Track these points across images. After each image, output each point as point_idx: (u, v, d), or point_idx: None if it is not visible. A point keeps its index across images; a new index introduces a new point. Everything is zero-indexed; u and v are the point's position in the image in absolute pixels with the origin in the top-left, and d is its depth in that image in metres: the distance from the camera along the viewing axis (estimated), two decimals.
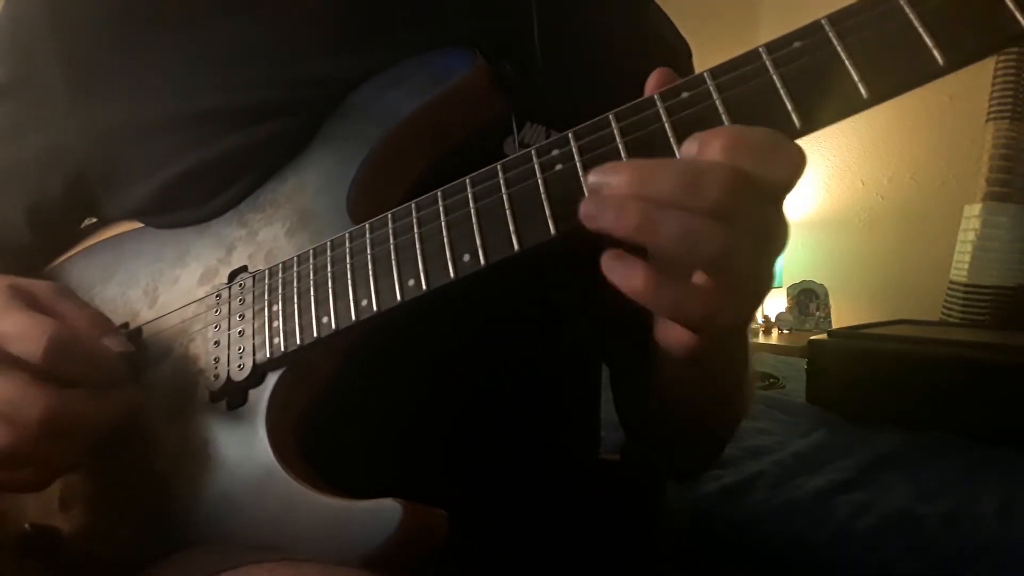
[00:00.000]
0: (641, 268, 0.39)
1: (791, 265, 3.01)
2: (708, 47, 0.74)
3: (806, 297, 2.92)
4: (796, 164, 0.38)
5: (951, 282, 1.59)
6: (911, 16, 0.37)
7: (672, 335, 0.44)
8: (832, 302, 2.82)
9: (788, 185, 0.39)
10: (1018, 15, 0.35)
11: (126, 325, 0.59)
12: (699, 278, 0.40)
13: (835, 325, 2.80)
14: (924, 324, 1.59)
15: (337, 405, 0.54)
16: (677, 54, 0.73)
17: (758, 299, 0.44)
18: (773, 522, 1.05)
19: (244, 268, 0.56)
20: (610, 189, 0.39)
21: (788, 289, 2.98)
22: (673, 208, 0.38)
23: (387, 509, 0.45)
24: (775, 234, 0.40)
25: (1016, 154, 1.58)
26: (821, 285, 2.88)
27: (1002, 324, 1.49)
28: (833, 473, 1.14)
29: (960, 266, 1.58)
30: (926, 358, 1.36)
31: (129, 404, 0.52)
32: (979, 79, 1.84)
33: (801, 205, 2.98)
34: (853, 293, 2.61)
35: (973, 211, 1.58)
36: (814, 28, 0.39)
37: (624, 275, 0.39)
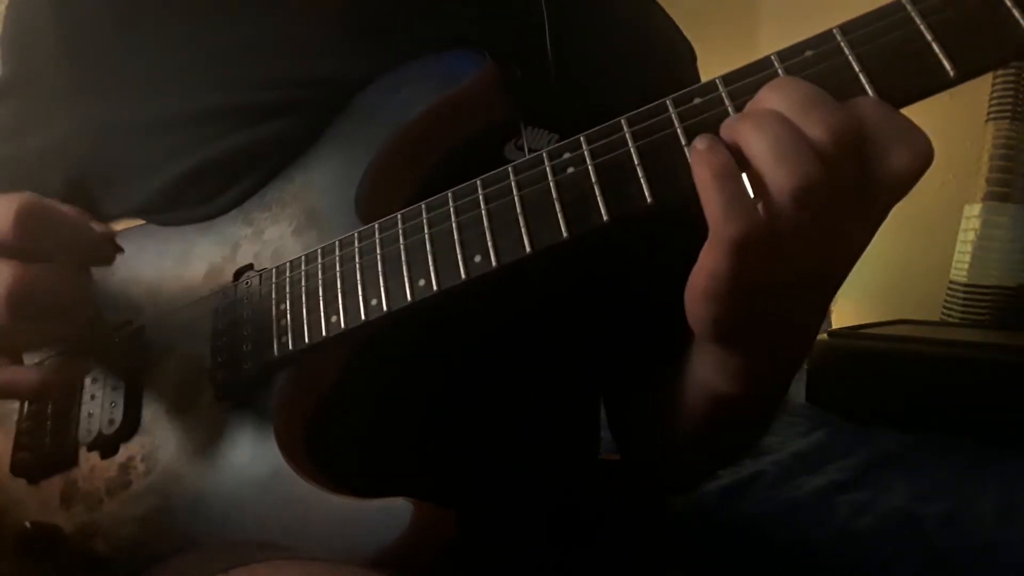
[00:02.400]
0: (724, 153, 0.39)
1: None
2: (708, 51, 0.74)
3: None
4: (914, 159, 0.37)
5: (951, 282, 1.59)
6: (921, 27, 0.38)
7: (709, 261, 0.41)
8: (832, 302, 2.81)
9: (898, 176, 0.38)
10: None
11: (129, 322, 0.59)
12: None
13: (835, 325, 2.80)
14: (924, 324, 1.59)
15: (344, 404, 0.54)
16: (681, 57, 0.73)
17: (814, 277, 0.43)
18: (773, 522, 1.05)
19: (250, 266, 0.56)
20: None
21: None
22: (787, 118, 0.38)
23: (397, 508, 0.45)
24: (859, 225, 0.40)
25: (1016, 154, 1.58)
26: None
27: (1002, 324, 1.50)
28: (833, 473, 1.14)
29: (960, 266, 1.58)
30: (926, 358, 1.36)
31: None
32: (979, 79, 1.83)
33: None
34: (853, 293, 2.61)
35: (973, 211, 1.58)
36: (826, 37, 0.40)
37: (708, 156, 0.39)
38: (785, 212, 0.38)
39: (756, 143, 0.38)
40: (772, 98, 0.39)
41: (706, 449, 0.63)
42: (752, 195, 0.39)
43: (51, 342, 0.51)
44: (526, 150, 0.57)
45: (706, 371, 0.52)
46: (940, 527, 0.98)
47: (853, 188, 0.38)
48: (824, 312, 0.48)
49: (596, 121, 0.45)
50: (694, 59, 0.73)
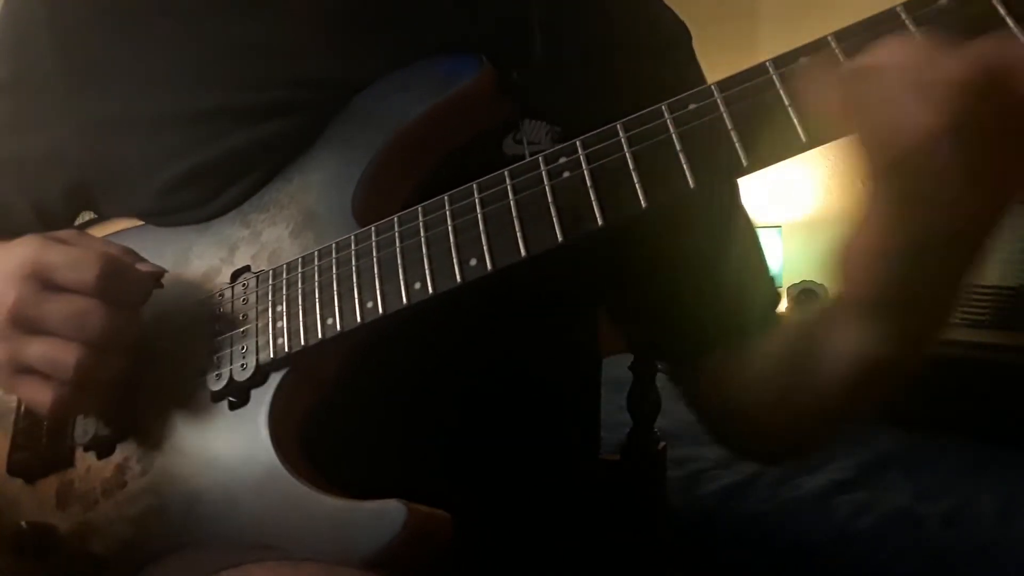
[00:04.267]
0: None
1: (791, 265, 3.00)
2: (708, 51, 0.73)
3: (806, 297, 2.92)
4: None
5: None
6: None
7: (876, 217, 0.41)
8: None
9: None
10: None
11: None
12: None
13: None
14: None
15: (339, 406, 0.54)
16: (677, 40, 0.71)
17: (972, 222, 0.41)
18: (773, 522, 1.05)
19: (247, 268, 0.56)
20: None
21: (788, 289, 2.98)
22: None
23: (391, 510, 0.45)
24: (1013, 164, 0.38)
25: None
26: (821, 285, 2.87)
27: (1002, 324, 1.49)
28: (833, 473, 1.14)
29: None
30: (926, 358, 1.35)
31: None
32: None
33: (801, 205, 2.97)
34: None
35: None
36: (821, 44, 0.40)
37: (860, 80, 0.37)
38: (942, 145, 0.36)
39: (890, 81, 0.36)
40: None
41: (839, 415, 0.60)
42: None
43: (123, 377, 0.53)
44: (526, 149, 0.57)
45: (853, 341, 0.51)
46: (940, 527, 0.99)
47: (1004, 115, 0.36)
48: (976, 265, 0.45)
49: (591, 111, 0.45)
50: (689, 39, 0.72)
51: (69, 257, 0.50)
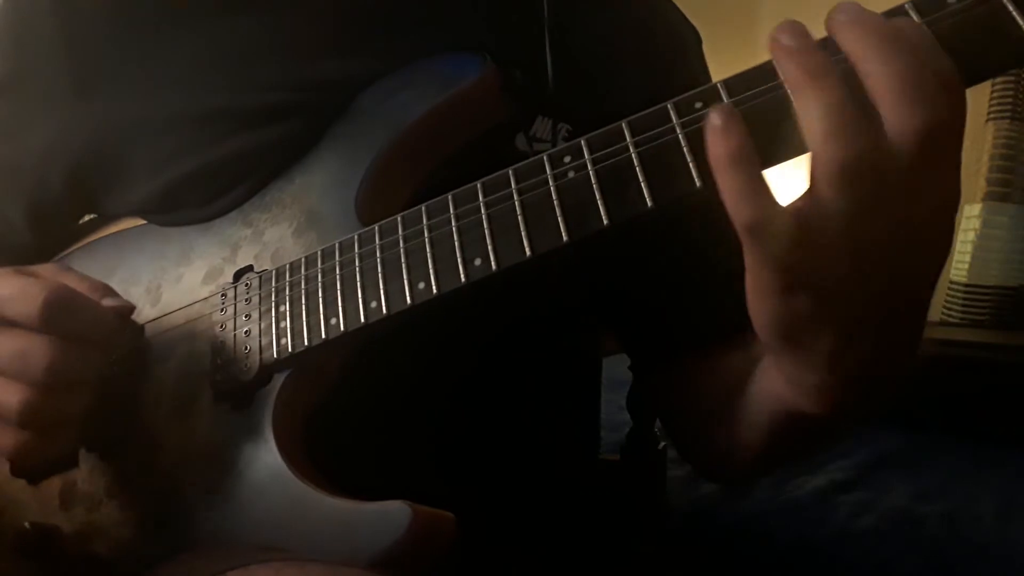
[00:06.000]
0: (741, 133, 0.36)
1: None
2: (708, 51, 0.73)
3: None
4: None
5: (951, 282, 1.59)
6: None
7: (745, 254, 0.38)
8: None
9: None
10: None
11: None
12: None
13: None
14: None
15: (343, 407, 0.54)
16: (686, 42, 0.72)
17: (887, 272, 0.37)
18: (773, 522, 1.05)
19: (250, 268, 0.56)
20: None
21: None
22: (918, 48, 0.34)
23: (396, 512, 0.45)
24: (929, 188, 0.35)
25: (1016, 154, 1.57)
26: None
27: (1002, 324, 1.49)
28: (833, 473, 1.14)
29: (960, 266, 1.57)
30: (926, 358, 1.35)
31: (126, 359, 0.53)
32: None
33: None
34: None
35: (973, 211, 1.58)
36: (829, 42, 0.39)
37: (723, 137, 0.36)
38: (907, 149, 0.33)
39: (882, 67, 0.34)
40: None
41: (764, 456, 0.57)
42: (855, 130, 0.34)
43: (82, 417, 0.52)
44: (530, 148, 0.57)
45: (777, 385, 0.47)
46: (940, 527, 0.99)
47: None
48: (918, 327, 0.42)
49: (601, 111, 0.45)
50: (699, 42, 0.72)
51: (16, 289, 0.48)
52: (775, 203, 0.36)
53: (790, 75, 0.36)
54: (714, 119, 0.36)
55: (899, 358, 0.43)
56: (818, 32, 0.40)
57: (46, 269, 0.53)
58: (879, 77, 0.34)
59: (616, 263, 0.63)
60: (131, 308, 0.53)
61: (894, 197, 0.35)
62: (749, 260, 0.38)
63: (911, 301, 0.40)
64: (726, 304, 0.46)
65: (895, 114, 0.34)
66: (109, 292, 0.53)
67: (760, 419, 0.52)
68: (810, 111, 0.35)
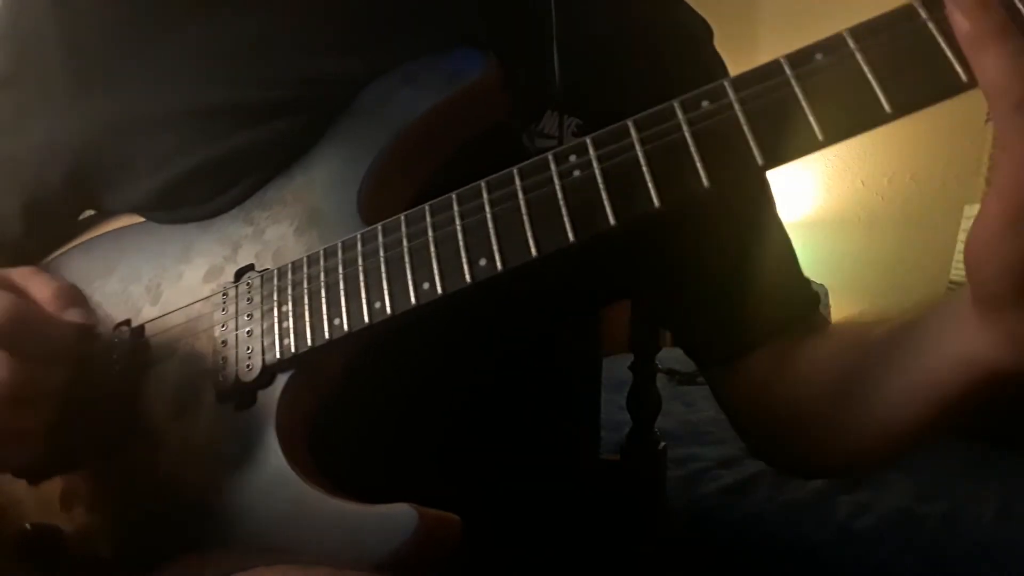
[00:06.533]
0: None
1: None
2: None
3: None
4: None
5: (951, 282, 1.59)
6: (935, 34, 0.37)
7: (999, 186, 0.36)
8: (832, 302, 2.82)
9: None
10: None
11: (128, 322, 0.59)
12: None
13: None
14: None
15: (347, 407, 0.54)
16: (697, 37, 0.70)
17: None
18: (773, 522, 1.05)
19: (251, 267, 0.56)
20: None
21: None
22: None
23: (402, 514, 0.44)
24: None
25: None
26: (821, 285, 2.88)
27: None
28: None
29: (960, 266, 1.58)
30: None
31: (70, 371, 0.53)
32: None
33: (801, 205, 2.98)
34: (853, 293, 2.61)
35: (973, 211, 1.57)
36: (837, 42, 0.39)
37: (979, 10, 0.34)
38: None
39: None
40: None
41: (916, 432, 0.52)
42: None
43: (41, 430, 0.53)
44: (534, 147, 0.57)
45: (980, 347, 0.43)
46: (940, 527, 0.99)
47: None
48: None
49: (609, 107, 0.44)
50: (711, 36, 0.71)
51: None
52: None
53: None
54: None
55: None
56: (818, 32, 0.40)
57: (18, 273, 0.54)
58: None
59: (650, 266, 0.63)
60: (90, 325, 0.54)
61: None
62: (1007, 166, 0.36)
63: None
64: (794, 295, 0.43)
65: None
66: (73, 300, 0.54)
67: (926, 393, 0.49)
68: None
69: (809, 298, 0.66)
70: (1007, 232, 0.36)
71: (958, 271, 1.58)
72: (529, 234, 0.44)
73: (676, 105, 0.42)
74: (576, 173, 0.44)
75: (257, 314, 0.53)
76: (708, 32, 0.71)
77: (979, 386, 0.46)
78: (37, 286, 0.53)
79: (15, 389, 0.48)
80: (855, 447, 0.56)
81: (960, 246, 1.57)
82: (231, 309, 0.55)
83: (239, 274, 0.56)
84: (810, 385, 0.58)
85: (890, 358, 0.51)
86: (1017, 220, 0.36)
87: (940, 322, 0.47)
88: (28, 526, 0.56)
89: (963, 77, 0.37)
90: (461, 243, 0.46)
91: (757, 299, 0.62)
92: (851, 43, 0.39)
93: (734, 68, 0.41)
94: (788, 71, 0.40)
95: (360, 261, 0.50)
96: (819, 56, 0.39)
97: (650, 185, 0.41)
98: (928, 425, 0.50)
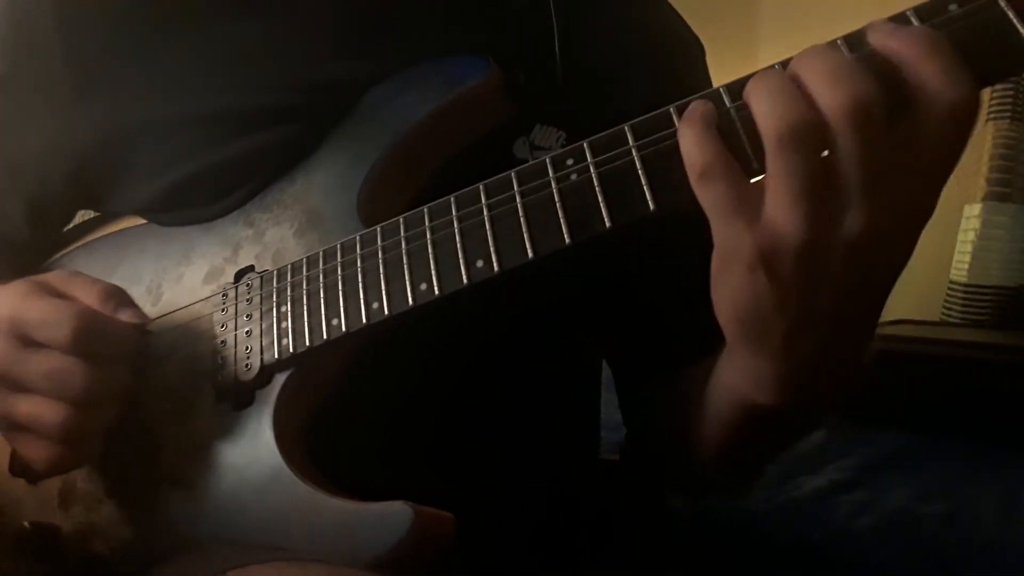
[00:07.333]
0: (715, 147, 0.38)
1: None
2: (707, 51, 0.73)
3: None
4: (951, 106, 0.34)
5: (951, 282, 1.58)
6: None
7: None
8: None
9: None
10: None
11: None
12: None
13: None
14: (924, 324, 1.59)
15: (345, 407, 0.54)
16: (692, 52, 0.72)
17: (857, 271, 0.39)
18: (773, 522, 1.05)
19: (251, 268, 0.56)
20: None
21: None
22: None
23: (397, 512, 0.45)
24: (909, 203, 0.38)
25: (1016, 154, 1.57)
26: None
27: (1002, 324, 1.49)
28: (833, 473, 1.14)
29: (960, 266, 1.57)
30: (926, 358, 1.35)
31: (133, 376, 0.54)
32: None
33: None
34: None
35: (973, 211, 1.57)
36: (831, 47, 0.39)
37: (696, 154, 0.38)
38: (843, 139, 0.35)
39: (812, 66, 0.36)
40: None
41: (728, 457, 0.57)
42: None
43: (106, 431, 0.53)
44: (530, 156, 0.57)
45: (735, 377, 0.48)
46: (940, 527, 0.99)
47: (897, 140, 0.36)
48: (875, 316, 0.44)
49: (605, 119, 0.45)
50: (703, 53, 0.72)
51: (44, 314, 0.50)
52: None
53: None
54: (685, 129, 0.39)
55: (853, 351, 0.45)
56: (818, 32, 0.40)
57: (55, 278, 0.54)
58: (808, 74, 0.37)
59: (617, 271, 0.63)
60: (145, 322, 0.55)
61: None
62: (717, 236, 0.39)
63: (870, 297, 0.43)
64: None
65: (824, 97, 0.36)
66: (120, 300, 0.54)
67: (719, 413, 0.53)
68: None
69: None
70: (718, 280, 0.41)
71: (958, 271, 1.57)
72: (526, 236, 0.45)
73: (672, 111, 0.42)
74: (573, 177, 0.44)
75: (256, 314, 0.54)
76: (701, 50, 0.72)
77: (748, 418, 0.49)
78: (81, 289, 0.54)
79: (91, 395, 0.49)
80: (702, 458, 0.59)
81: (960, 246, 1.57)
82: (231, 310, 0.55)
83: (239, 275, 0.56)
84: (684, 403, 0.60)
85: (707, 380, 0.54)
86: (723, 270, 0.40)
87: (724, 356, 0.50)
88: (27, 524, 0.57)
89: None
90: (459, 245, 0.47)
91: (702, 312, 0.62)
92: (842, 48, 0.39)
93: (734, 69, 0.41)
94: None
95: (359, 262, 0.50)
96: None
97: (646, 188, 0.42)
98: (735, 450, 0.55)
